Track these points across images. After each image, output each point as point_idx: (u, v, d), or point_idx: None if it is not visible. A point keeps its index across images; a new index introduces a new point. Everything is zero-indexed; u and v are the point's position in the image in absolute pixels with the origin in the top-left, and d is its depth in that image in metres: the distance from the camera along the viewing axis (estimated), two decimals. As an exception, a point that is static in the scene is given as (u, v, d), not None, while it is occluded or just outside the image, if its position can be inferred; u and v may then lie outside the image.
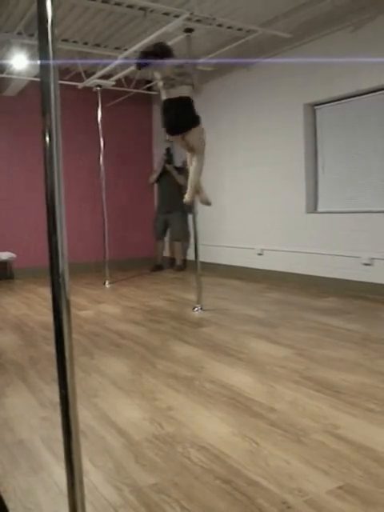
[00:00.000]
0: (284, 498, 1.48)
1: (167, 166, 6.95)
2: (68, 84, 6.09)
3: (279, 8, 4.72)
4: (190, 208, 7.29)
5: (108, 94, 6.63)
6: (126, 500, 1.51)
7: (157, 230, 7.23)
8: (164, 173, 7.04)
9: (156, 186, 7.42)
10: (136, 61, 3.90)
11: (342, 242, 4.96)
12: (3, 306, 4.86)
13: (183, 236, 7.16)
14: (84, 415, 2.11)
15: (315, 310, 4.16)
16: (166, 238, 7.34)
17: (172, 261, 7.32)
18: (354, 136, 4.95)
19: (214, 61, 5.74)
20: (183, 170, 7.15)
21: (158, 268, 7.18)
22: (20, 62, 5.34)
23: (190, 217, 7.13)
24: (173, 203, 6.95)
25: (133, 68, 5.66)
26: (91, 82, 5.98)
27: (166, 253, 7.48)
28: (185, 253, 7.24)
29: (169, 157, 7.03)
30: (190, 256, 5.67)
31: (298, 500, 1.47)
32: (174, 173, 6.93)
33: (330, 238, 5.08)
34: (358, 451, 1.75)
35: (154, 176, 7.13)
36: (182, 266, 7.05)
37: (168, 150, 7.05)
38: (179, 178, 6.87)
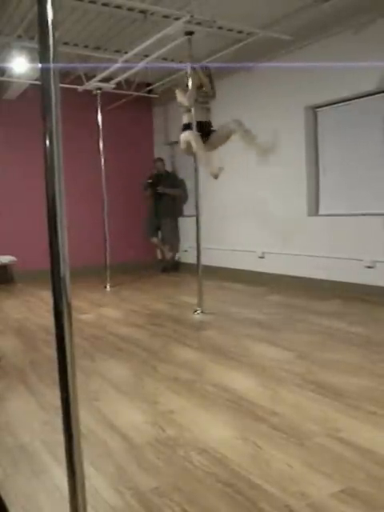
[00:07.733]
0: (286, 502, 1.47)
1: (160, 189, 7.03)
2: (68, 87, 6.10)
3: (280, 10, 4.72)
4: (180, 213, 7.39)
5: (108, 97, 6.64)
6: (127, 504, 1.50)
7: (148, 229, 7.26)
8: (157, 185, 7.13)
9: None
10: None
11: (343, 245, 4.95)
12: (4, 309, 4.86)
13: (174, 242, 7.29)
14: (85, 419, 2.10)
15: (317, 312, 4.15)
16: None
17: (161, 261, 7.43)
18: (355, 138, 4.95)
19: (215, 64, 5.74)
20: (176, 179, 7.29)
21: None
22: (20, 65, 5.35)
23: (181, 223, 7.30)
24: (166, 209, 7.15)
25: (132, 70, 5.70)
26: (91, 84, 5.99)
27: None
28: (175, 255, 7.35)
29: (156, 180, 7.12)
30: (191, 259, 5.66)
31: (300, 503, 1.46)
32: (167, 190, 7.06)
33: (332, 241, 5.07)
34: (361, 454, 1.74)
35: (149, 191, 7.15)
36: (169, 267, 7.16)
37: (156, 175, 7.16)
38: (173, 192, 7.12)
